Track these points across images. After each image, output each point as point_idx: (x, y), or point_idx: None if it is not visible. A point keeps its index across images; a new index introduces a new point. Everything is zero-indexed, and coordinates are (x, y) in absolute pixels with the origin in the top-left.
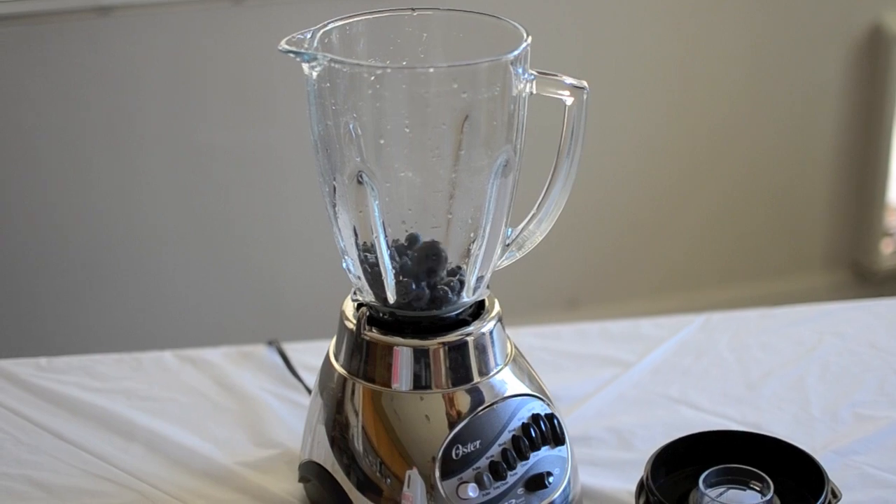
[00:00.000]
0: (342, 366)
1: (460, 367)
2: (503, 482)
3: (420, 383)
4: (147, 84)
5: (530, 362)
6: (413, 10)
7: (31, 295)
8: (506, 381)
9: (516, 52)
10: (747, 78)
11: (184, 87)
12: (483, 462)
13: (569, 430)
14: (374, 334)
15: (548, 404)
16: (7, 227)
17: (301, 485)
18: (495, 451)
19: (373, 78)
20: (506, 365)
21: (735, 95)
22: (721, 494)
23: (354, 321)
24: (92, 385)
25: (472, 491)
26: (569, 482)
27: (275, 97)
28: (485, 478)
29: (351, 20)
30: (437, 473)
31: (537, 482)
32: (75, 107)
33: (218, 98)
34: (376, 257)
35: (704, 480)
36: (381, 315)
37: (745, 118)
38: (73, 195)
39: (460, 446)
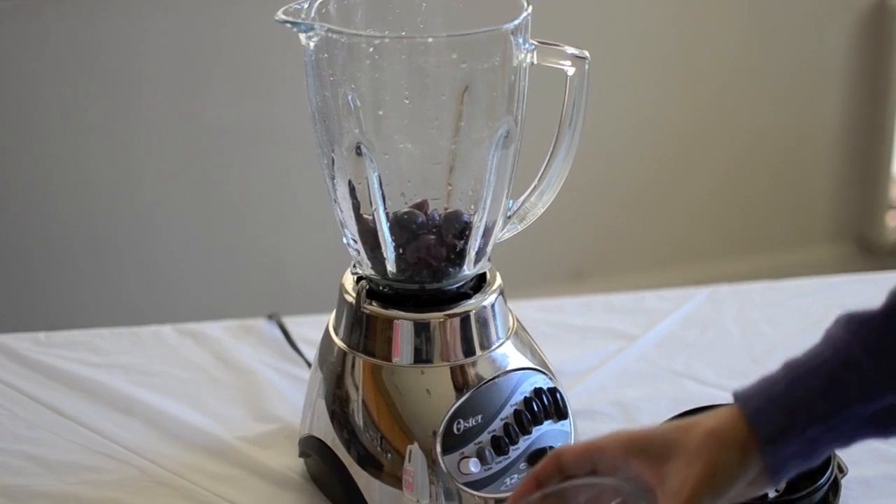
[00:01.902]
0: (342, 340)
1: (462, 341)
2: (505, 457)
3: (421, 357)
4: (148, 59)
5: (533, 336)
6: None
7: (31, 269)
8: (508, 354)
9: (517, 22)
10: (752, 50)
11: (185, 62)
12: (485, 436)
13: (572, 404)
14: (374, 308)
15: (550, 378)
16: (8, 203)
17: (301, 460)
18: (497, 425)
19: (371, 48)
20: (508, 338)
21: (740, 68)
22: None
23: (354, 294)
24: (90, 360)
25: (473, 466)
26: None
27: (277, 71)
28: (487, 452)
29: None
30: (439, 448)
31: (540, 457)
32: (76, 82)
33: (219, 73)
34: (375, 230)
35: None
36: (381, 288)
37: (750, 91)
38: (75, 170)
39: (462, 421)
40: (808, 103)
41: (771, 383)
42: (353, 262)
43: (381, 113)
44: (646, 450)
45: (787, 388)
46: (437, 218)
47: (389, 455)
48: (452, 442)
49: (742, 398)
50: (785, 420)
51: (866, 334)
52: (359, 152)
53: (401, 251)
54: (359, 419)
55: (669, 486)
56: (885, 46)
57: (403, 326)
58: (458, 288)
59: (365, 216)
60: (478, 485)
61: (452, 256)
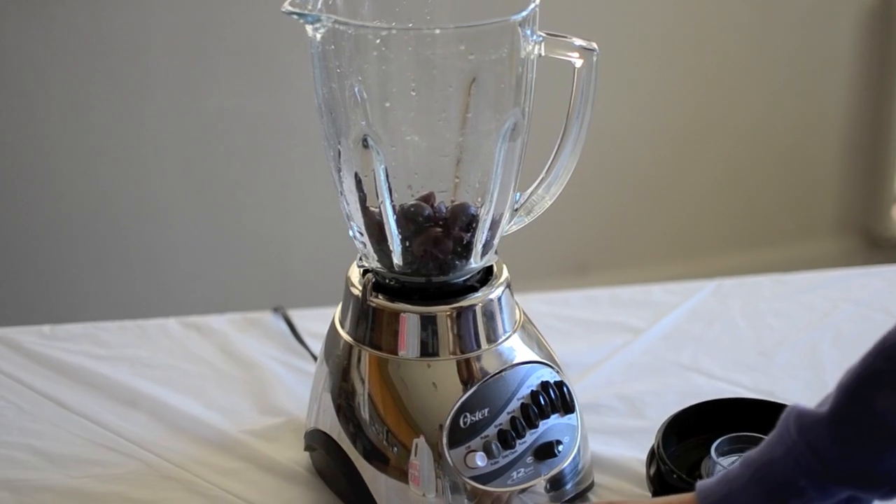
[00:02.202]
0: (348, 333)
1: (468, 334)
2: (512, 451)
3: (427, 350)
4: (153, 51)
5: (539, 329)
6: None
7: (35, 262)
8: (514, 348)
9: (524, 14)
10: (758, 44)
11: (190, 54)
12: (491, 430)
13: (578, 398)
14: (380, 301)
15: (557, 371)
16: (11, 196)
17: (307, 453)
18: (504, 419)
19: (378, 40)
20: (514, 332)
21: (746, 61)
22: (733, 463)
23: (360, 287)
24: (95, 353)
25: (480, 460)
26: (578, 451)
27: (284, 63)
28: (493, 446)
29: None
30: (445, 442)
31: (546, 451)
32: (81, 74)
33: (225, 65)
34: (382, 222)
35: (716, 449)
36: (387, 281)
37: (756, 85)
38: (79, 163)
39: (468, 414)
40: (814, 97)
41: (730, 482)
42: (359, 255)
43: (387, 105)
44: None
45: (745, 488)
46: (444, 210)
47: (395, 449)
48: (459, 436)
49: (703, 498)
50: None
51: (815, 439)
52: (365, 144)
53: (407, 244)
54: (365, 413)
55: None
56: (890, 40)
57: (410, 319)
58: (464, 281)
59: (371, 209)
60: (484, 479)
61: (459, 249)
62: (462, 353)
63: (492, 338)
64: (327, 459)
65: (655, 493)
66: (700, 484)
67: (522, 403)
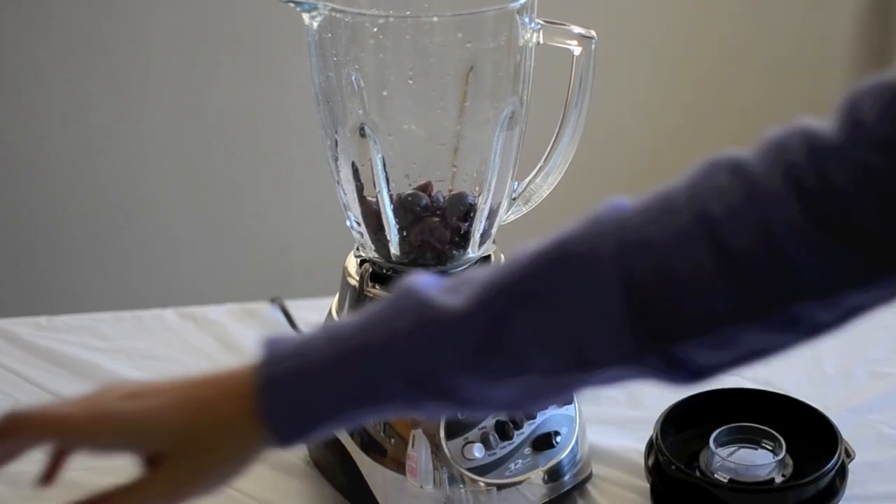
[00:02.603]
0: None
1: None
2: (510, 442)
3: None
4: (150, 43)
5: None
6: None
7: (33, 253)
8: None
9: (522, 1)
10: (758, 34)
11: (187, 45)
12: (489, 421)
13: None
14: (377, 291)
15: None
16: (10, 187)
17: (304, 445)
18: None
19: (375, 28)
20: None
21: (746, 51)
22: (732, 454)
23: (357, 277)
24: (92, 344)
25: (477, 451)
26: (577, 441)
27: (280, 53)
28: (491, 438)
29: None
30: (443, 433)
31: (545, 442)
32: (79, 67)
33: (222, 56)
34: (379, 212)
35: (715, 439)
36: (384, 271)
37: (756, 75)
38: (76, 155)
39: None
40: (815, 87)
41: (310, 372)
42: (356, 245)
43: (385, 93)
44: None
45: (331, 383)
46: (442, 200)
47: (393, 440)
48: (456, 427)
49: (269, 387)
50: (305, 428)
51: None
52: (362, 133)
53: (404, 234)
54: None
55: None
56: (890, 33)
57: None
58: (462, 270)
59: (368, 198)
60: (482, 470)
61: (457, 239)
62: None
63: None
64: (325, 451)
65: (654, 485)
66: (269, 355)
67: None
